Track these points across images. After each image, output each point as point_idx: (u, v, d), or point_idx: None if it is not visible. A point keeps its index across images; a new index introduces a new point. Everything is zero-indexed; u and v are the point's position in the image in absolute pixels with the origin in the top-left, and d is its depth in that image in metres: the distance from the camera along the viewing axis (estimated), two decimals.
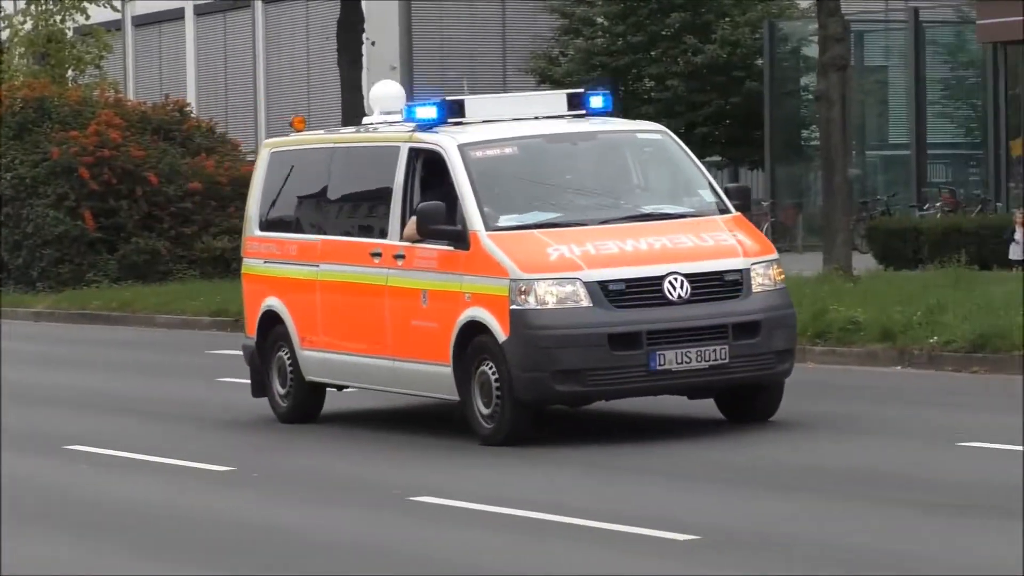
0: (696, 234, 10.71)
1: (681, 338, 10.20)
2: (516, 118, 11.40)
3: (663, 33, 30.25)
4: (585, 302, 10.18)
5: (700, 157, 12.61)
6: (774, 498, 8.70)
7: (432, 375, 10.86)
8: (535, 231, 10.61)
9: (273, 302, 12.08)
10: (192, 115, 29.51)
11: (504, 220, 10.63)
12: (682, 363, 10.19)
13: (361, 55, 25.44)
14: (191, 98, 35.46)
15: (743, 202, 11.43)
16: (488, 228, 10.49)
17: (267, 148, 12.96)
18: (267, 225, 12.47)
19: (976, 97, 28.64)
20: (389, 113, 12.00)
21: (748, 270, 10.49)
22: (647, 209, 11.02)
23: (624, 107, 26.66)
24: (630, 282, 10.25)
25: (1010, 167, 26.37)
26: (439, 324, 10.69)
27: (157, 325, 22.18)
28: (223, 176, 26.38)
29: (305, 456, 11.16)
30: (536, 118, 11.41)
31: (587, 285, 10.18)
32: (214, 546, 8.26)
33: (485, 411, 10.46)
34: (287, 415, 12.06)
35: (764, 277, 10.56)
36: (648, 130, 12.02)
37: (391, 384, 11.46)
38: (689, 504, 8.66)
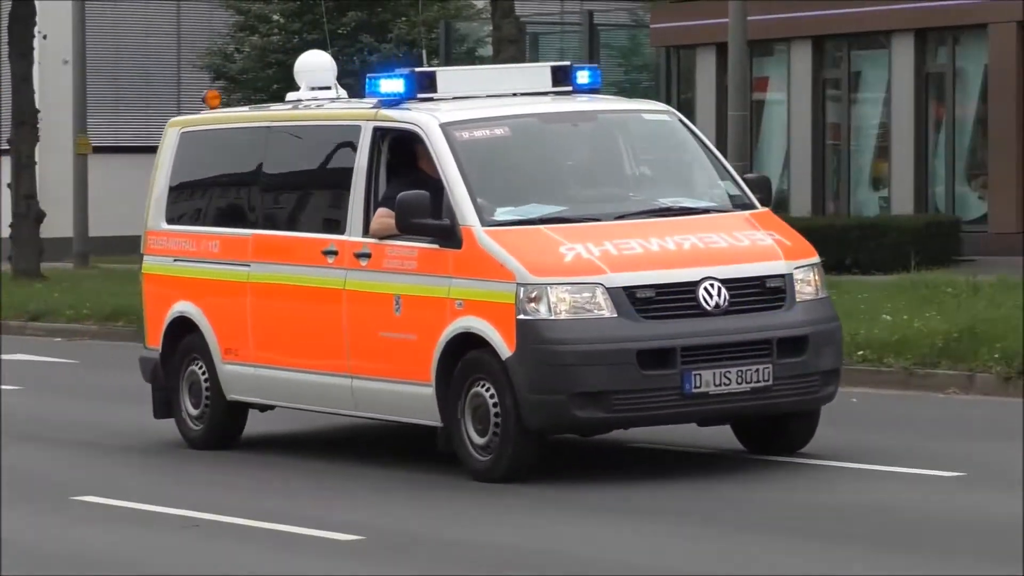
0: (728, 232, 9.13)
1: (720, 355, 8.65)
2: (495, 94, 9.72)
3: (339, 31, 29.95)
4: (608, 312, 8.54)
5: None
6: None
7: (406, 396, 9.05)
8: (541, 227, 8.91)
9: (185, 307, 10.21)
10: None
11: (501, 213, 8.91)
12: (720, 385, 8.62)
13: (32, 48, 24.84)
14: None
15: (765, 195, 9.72)
16: (484, 223, 8.75)
17: (175, 127, 10.76)
18: (177, 218, 10.56)
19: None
20: (319, 88, 10.38)
21: (791, 275, 8.95)
22: (665, 202, 9.42)
23: None
24: (660, 288, 8.66)
25: None
26: (418, 336, 8.91)
27: None
28: None
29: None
30: (517, 95, 9.75)
31: (610, 291, 8.55)
32: None
33: (479, 441, 8.71)
34: (201, 439, 10.23)
35: (807, 283, 9.05)
36: (654, 110, 10.38)
37: (348, 407, 9.55)
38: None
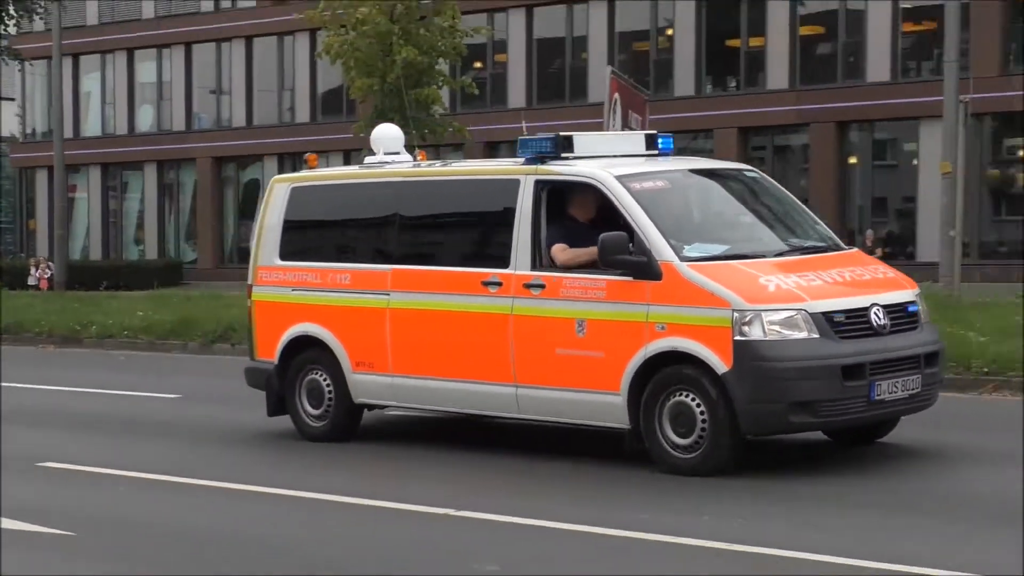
0: (863, 267, 10.75)
1: (891, 368, 10.10)
2: (613, 154, 11.35)
3: None
4: (812, 333, 9.82)
5: None
6: None
7: (588, 404, 10.45)
8: (733, 262, 10.21)
9: (308, 328, 11.98)
10: None
11: (689, 251, 10.19)
12: (892, 393, 10.12)
13: None
14: None
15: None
16: (680, 259, 10.08)
17: (284, 184, 12.70)
18: (292, 255, 12.28)
19: None
20: (392, 153, 12.51)
21: (917, 301, 10.64)
22: (801, 243, 10.94)
23: None
24: (848, 313, 10.03)
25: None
26: (606, 353, 10.27)
27: None
28: None
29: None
30: (627, 155, 11.46)
31: (812, 316, 9.87)
32: None
33: (682, 441, 10.02)
34: (322, 434, 11.98)
35: (923, 309, 10.75)
36: (749, 169, 12.10)
37: (510, 410, 11.02)
38: None
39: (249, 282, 12.51)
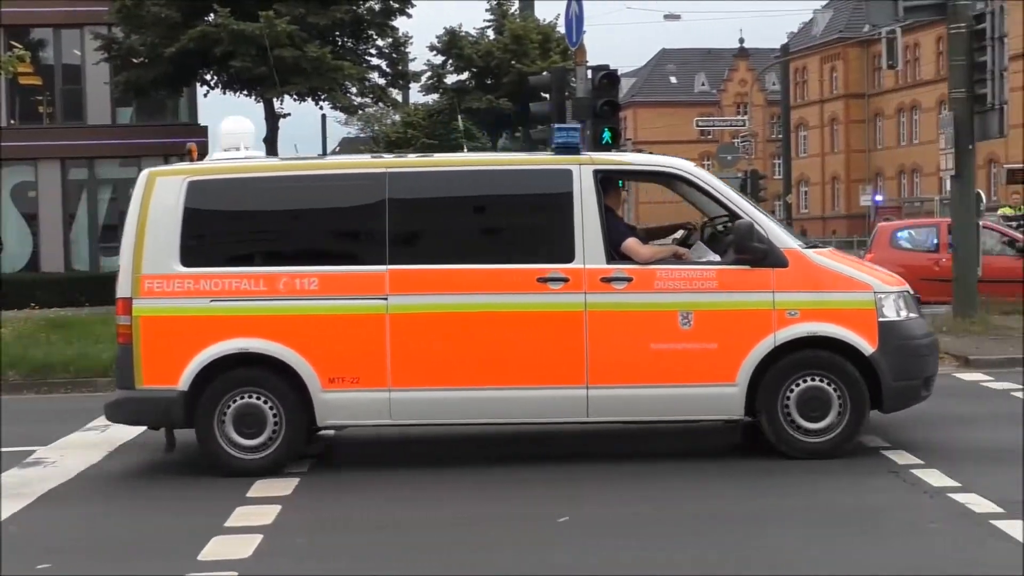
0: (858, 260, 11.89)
1: None
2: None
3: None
4: (914, 313, 10.64)
5: None
6: None
7: (692, 398, 10.20)
8: (821, 248, 10.87)
9: (247, 343, 10.31)
10: None
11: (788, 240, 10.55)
12: None
13: None
14: None
15: None
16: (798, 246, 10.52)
17: (174, 177, 10.70)
18: (202, 260, 10.49)
19: None
20: (232, 149, 11.19)
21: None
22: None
23: None
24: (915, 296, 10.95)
25: None
26: (720, 344, 10.13)
27: None
28: None
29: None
30: None
31: (915, 298, 10.80)
32: None
33: (814, 425, 10.29)
34: (259, 468, 10.39)
35: None
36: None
37: (578, 415, 10.27)
38: None
39: (126, 294, 10.47)
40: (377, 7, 35.57)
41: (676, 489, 9.60)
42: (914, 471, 9.75)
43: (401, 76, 37.54)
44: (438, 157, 11.43)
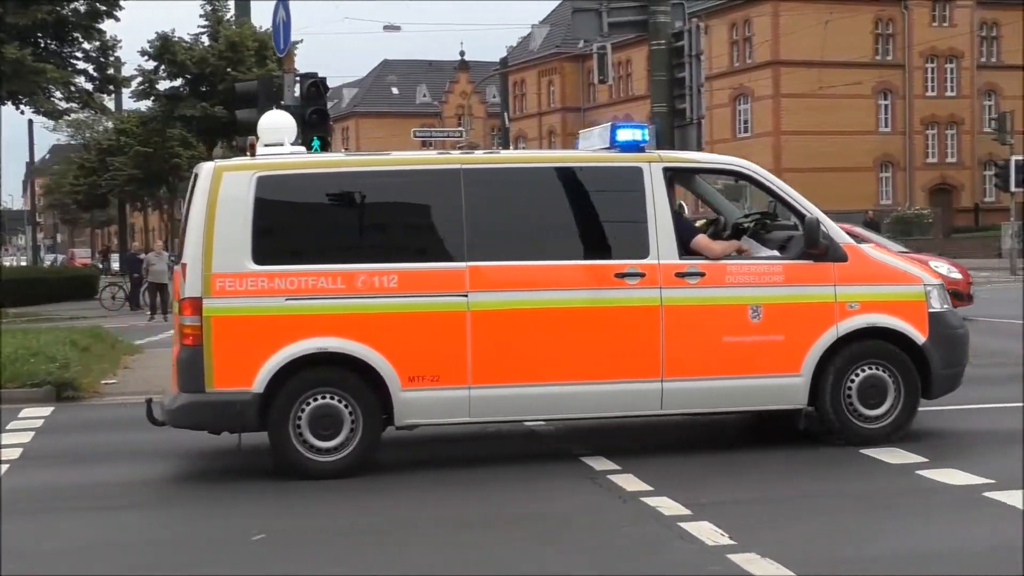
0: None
1: None
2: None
3: None
4: (947, 304, 11.05)
5: None
6: None
7: (760, 389, 10.53)
8: (866, 243, 11.55)
9: (327, 343, 9.97)
10: None
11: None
12: None
13: None
14: None
15: None
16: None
17: (242, 173, 10.23)
18: (275, 258, 10.06)
19: None
20: (276, 144, 10.71)
21: None
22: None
23: None
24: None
25: None
26: (787, 336, 10.52)
27: None
28: None
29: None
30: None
31: (944, 290, 11.19)
32: None
33: (872, 412, 10.82)
34: (337, 470, 10.06)
35: None
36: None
37: (652, 408, 10.41)
38: None
39: (195, 294, 10.03)
40: (82, 8, 34.50)
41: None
42: (611, 477, 9.90)
43: (110, 81, 36.57)
44: (506, 154, 11.61)
